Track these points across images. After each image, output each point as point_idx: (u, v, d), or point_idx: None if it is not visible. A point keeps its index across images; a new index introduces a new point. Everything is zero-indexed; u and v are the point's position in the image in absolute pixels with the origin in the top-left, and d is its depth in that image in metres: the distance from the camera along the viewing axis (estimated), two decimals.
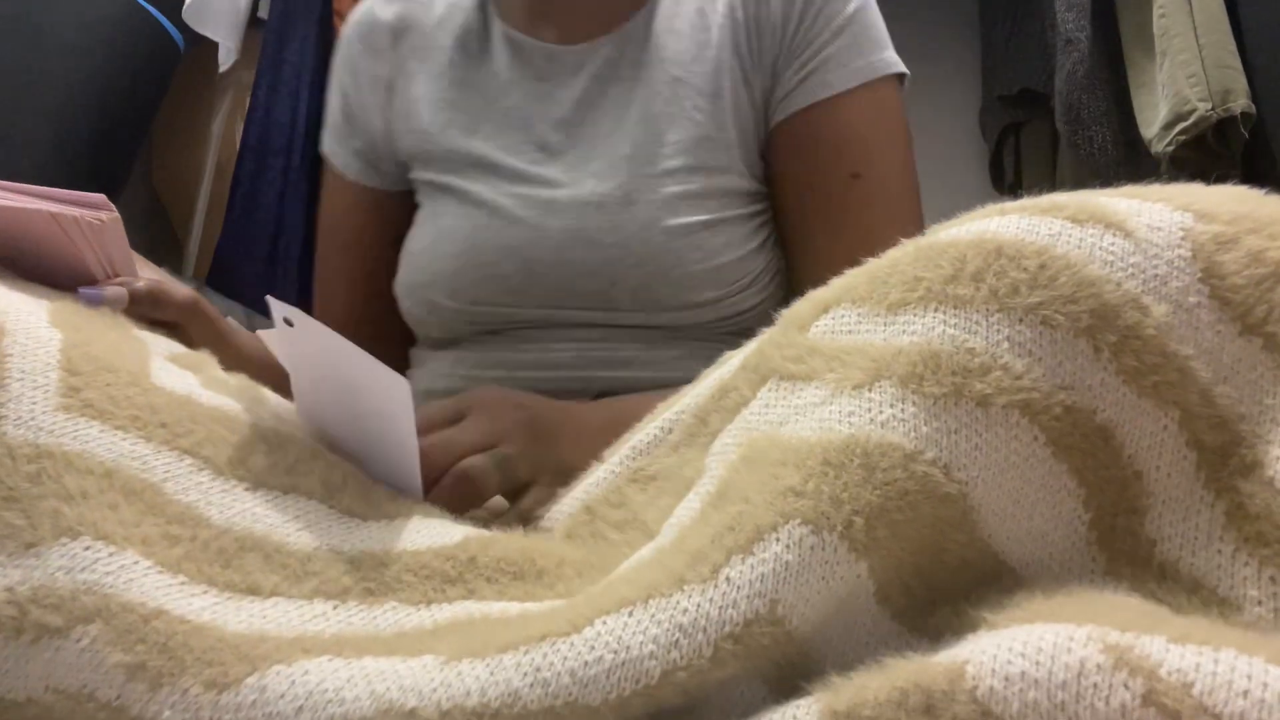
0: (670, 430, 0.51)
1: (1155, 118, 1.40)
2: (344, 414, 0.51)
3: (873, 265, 0.44)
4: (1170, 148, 1.36)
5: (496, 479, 0.58)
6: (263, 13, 1.76)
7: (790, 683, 0.37)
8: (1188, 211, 0.40)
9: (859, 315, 0.42)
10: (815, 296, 0.46)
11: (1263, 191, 0.42)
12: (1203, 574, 0.37)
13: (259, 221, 1.68)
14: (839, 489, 0.37)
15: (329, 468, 0.49)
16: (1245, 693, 0.29)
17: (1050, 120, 1.68)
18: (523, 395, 0.66)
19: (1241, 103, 1.31)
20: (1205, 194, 0.41)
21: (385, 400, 0.49)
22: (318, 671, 0.36)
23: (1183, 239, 0.39)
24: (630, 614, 0.36)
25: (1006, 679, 0.30)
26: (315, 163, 1.54)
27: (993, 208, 0.43)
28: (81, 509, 0.39)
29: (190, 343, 0.60)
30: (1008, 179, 1.92)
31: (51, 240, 0.54)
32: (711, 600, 0.36)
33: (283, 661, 0.37)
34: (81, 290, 0.55)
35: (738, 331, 0.77)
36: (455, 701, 0.35)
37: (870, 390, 0.39)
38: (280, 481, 0.47)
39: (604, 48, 0.83)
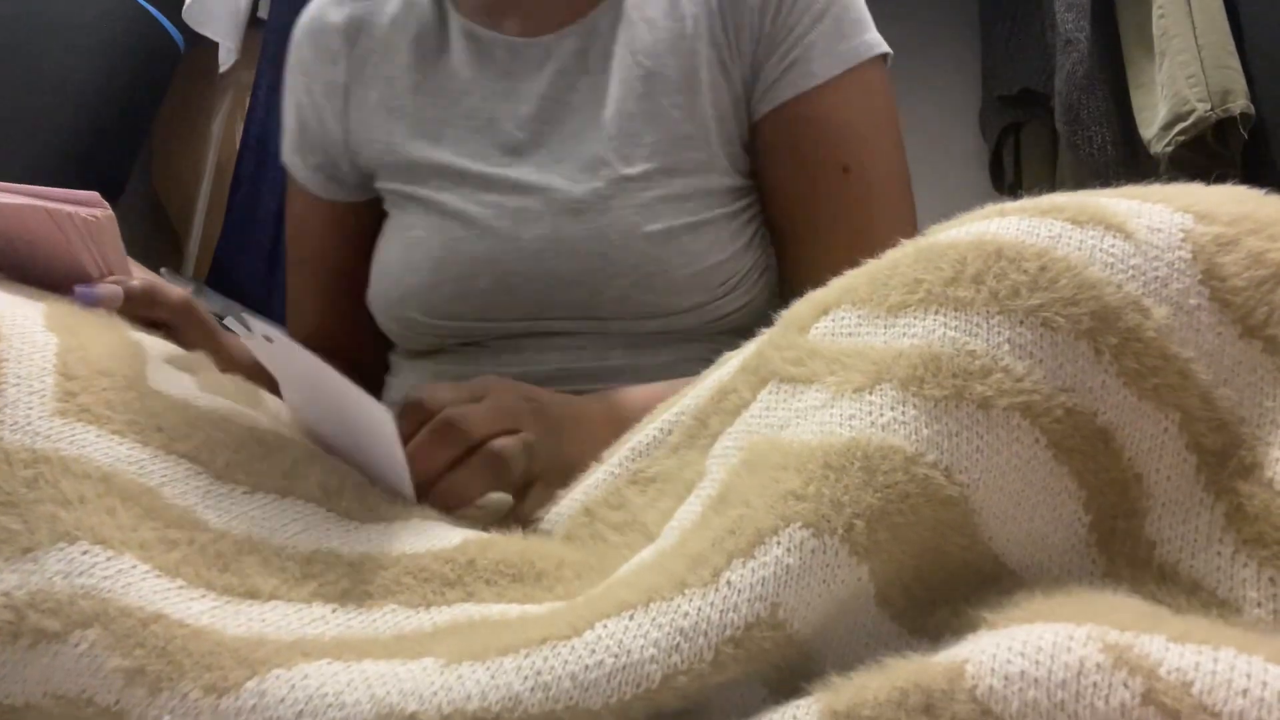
0: (670, 432, 0.51)
1: (1154, 118, 1.40)
2: (333, 425, 0.51)
3: (872, 266, 0.44)
4: (1169, 148, 1.36)
5: (523, 464, 0.56)
6: (263, 13, 1.76)
7: (790, 684, 0.37)
8: (1188, 213, 0.40)
9: (859, 317, 0.42)
10: (815, 298, 0.46)
11: (1263, 192, 0.42)
12: (1202, 576, 0.37)
13: (259, 221, 1.68)
14: (840, 492, 0.37)
15: (327, 471, 0.49)
16: (1245, 691, 0.30)
17: (1050, 120, 1.68)
18: (529, 387, 0.64)
19: (1240, 103, 1.31)
20: (1205, 194, 0.41)
21: (368, 427, 0.49)
22: (317, 675, 0.36)
23: (1183, 240, 0.39)
24: (631, 617, 0.36)
25: (1006, 678, 0.30)
26: None
27: (992, 208, 0.43)
28: (79, 513, 0.39)
29: (184, 344, 0.60)
30: (1008, 179, 1.92)
31: (47, 237, 0.54)
32: (712, 604, 0.36)
33: (282, 665, 0.37)
34: (77, 288, 0.54)
35: (728, 330, 0.76)
36: (456, 705, 0.35)
37: (871, 393, 0.39)
38: (278, 484, 0.47)
39: (569, 39, 0.79)
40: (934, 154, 1.89)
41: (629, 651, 0.35)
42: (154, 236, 1.77)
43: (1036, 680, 0.30)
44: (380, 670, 0.36)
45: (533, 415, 0.59)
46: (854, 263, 0.46)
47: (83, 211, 0.55)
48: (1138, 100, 1.47)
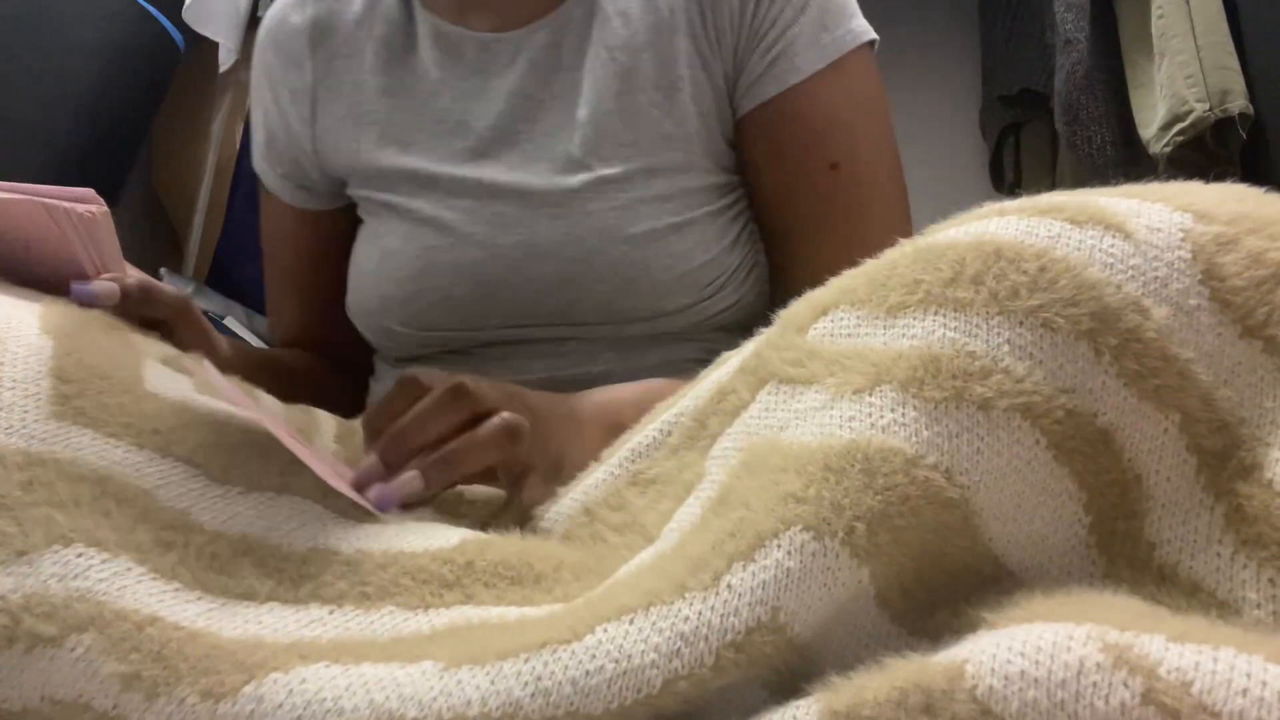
0: (669, 433, 0.51)
1: (1154, 118, 1.40)
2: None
3: (871, 267, 0.44)
4: (1168, 148, 1.36)
5: (526, 444, 0.55)
6: (263, 13, 1.75)
7: (790, 686, 0.36)
8: (1187, 212, 0.39)
9: (858, 318, 0.42)
10: (813, 298, 0.46)
11: (1262, 191, 0.42)
12: (1201, 577, 0.37)
13: (259, 221, 1.68)
14: (840, 495, 0.37)
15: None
16: (1244, 691, 0.30)
17: (1050, 120, 1.68)
18: (512, 384, 0.62)
19: (1239, 104, 1.31)
20: (1205, 194, 0.41)
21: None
22: (315, 679, 0.36)
23: (1183, 240, 0.39)
24: (631, 621, 0.36)
25: (1006, 678, 0.30)
26: None
27: (991, 208, 0.43)
28: (74, 516, 0.39)
29: (180, 343, 0.60)
30: (1008, 179, 1.92)
31: (43, 233, 0.54)
32: (713, 608, 0.35)
33: (280, 669, 0.37)
34: (74, 285, 0.54)
35: (719, 329, 0.75)
36: (456, 711, 0.35)
37: (871, 394, 0.39)
38: (274, 482, 0.47)
39: (541, 33, 0.76)
40: (934, 154, 1.89)
41: (629, 656, 0.35)
42: (154, 236, 1.77)
43: (1036, 680, 0.30)
44: (379, 674, 0.36)
45: (523, 408, 0.58)
46: (846, 260, 0.46)
47: (79, 207, 0.55)
48: (1137, 100, 1.47)
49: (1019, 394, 0.37)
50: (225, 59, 1.70)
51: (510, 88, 0.76)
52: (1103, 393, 0.37)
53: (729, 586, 0.36)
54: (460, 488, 0.65)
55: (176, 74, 1.63)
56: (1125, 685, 0.30)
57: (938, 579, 0.38)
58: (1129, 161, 1.49)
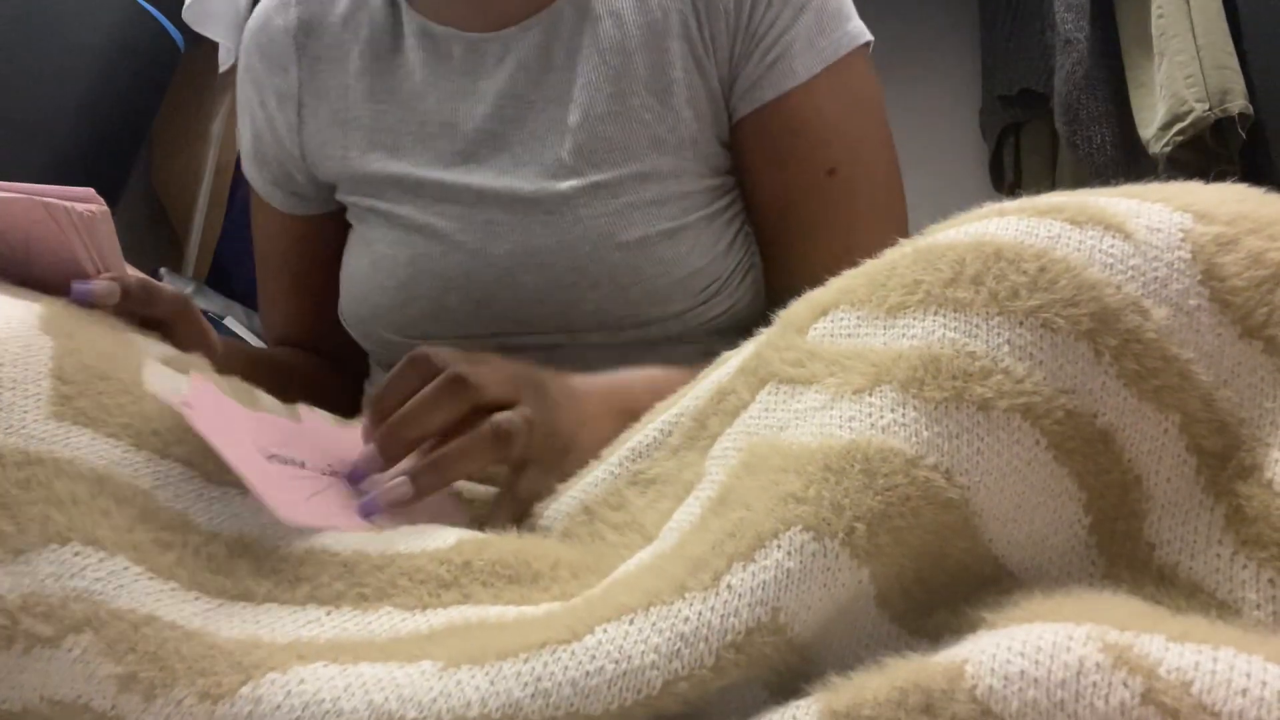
0: (669, 433, 0.51)
1: (1153, 118, 1.40)
2: None
3: (870, 267, 0.44)
4: (1168, 148, 1.36)
5: (524, 440, 0.54)
6: None
7: (790, 686, 0.36)
8: (1187, 212, 0.39)
9: (858, 318, 0.42)
10: (813, 298, 0.46)
11: (1262, 191, 0.42)
12: (1201, 578, 0.37)
13: None
14: (840, 495, 0.37)
15: None
16: (1244, 691, 0.30)
17: (1050, 120, 1.68)
18: (527, 363, 0.60)
19: (1239, 103, 1.31)
20: (1204, 194, 0.41)
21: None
22: (313, 680, 0.36)
23: (1182, 240, 0.39)
24: (631, 622, 0.36)
25: (1006, 678, 0.30)
26: None
27: (991, 208, 0.43)
28: (71, 515, 0.39)
29: (179, 343, 0.60)
30: (1008, 179, 1.92)
31: (43, 232, 0.54)
32: (713, 608, 0.35)
33: (277, 669, 0.36)
34: (74, 284, 0.54)
35: (714, 332, 0.74)
36: (455, 712, 0.34)
37: (871, 395, 0.39)
38: None
39: (531, 32, 0.74)
40: (934, 154, 1.89)
41: (629, 657, 0.35)
42: (154, 236, 1.77)
43: (1036, 680, 0.30)
44: (377, 674, 0.36)
45: (533, 389, 0.57)
46: (843, 263, 0.46)
47: (78, 206, 0.55)
48: (1137, 100, 1.47)
49: (1019, 394, 0.37)
50: (225, 59, 1.70)
51: (499, 88, 0.74)
52: (1103, 393, 0.37)
53: (729, 587, 0.36)
54: (459, 485, 0.65)
55: (176, 74, 1.63)
56: (1125, 685, 0.30)
57: (938, 579, 0.38)
58: (1129, 161, 1.49)
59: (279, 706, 0.35)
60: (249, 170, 0.85)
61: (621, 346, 0.73)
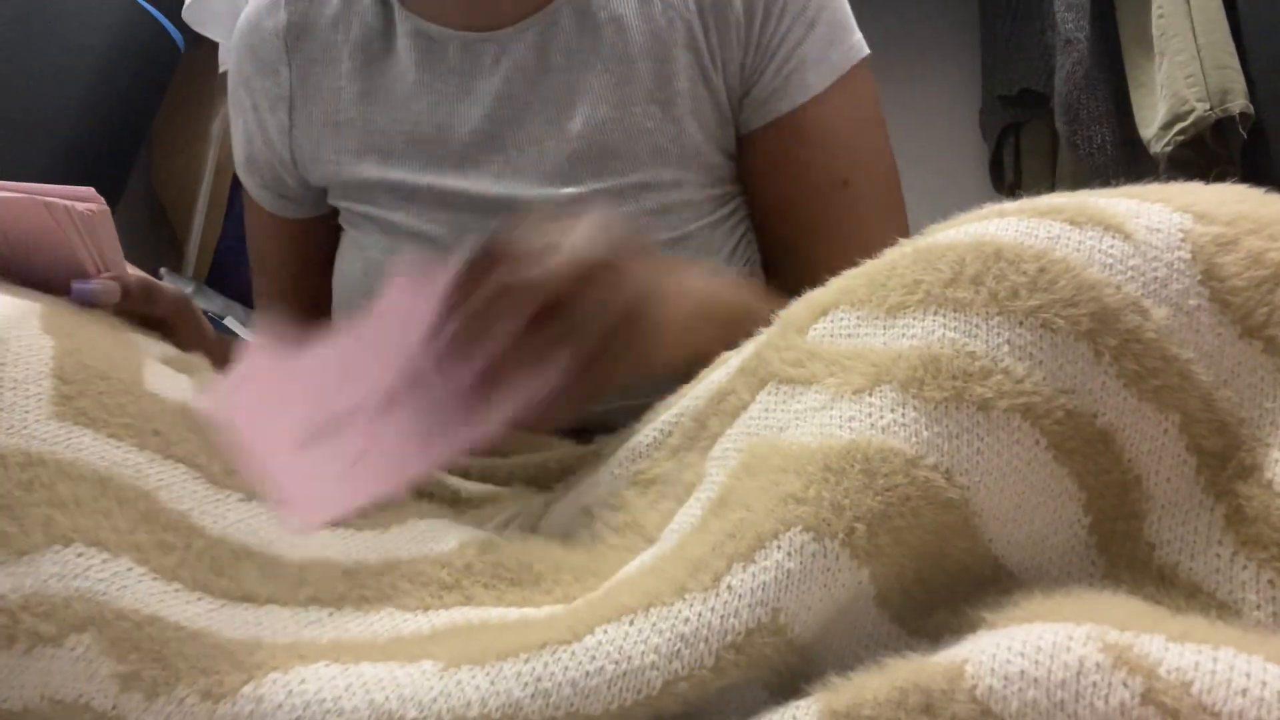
0: (669, 433, 0.51)
1: (1154, 118, 1.40)
2: None
3: (870, 267, 0.44)
4: (1169, 148, 1.36)
5: (587, 336, 0.48)
6: None
7: (790, 686, 0.36)
8: (1187, 212, 0.39)
9: (858, 318, 0.42)
10: (813, 299, 0.46)
11: (1262, 191, 0.42)
12: (1201, 578, 0.37)
13: None
14: (840, 495, 0.37)
15: None
16: (1244, 691, 0.30)
17: (1050, 120, 1.68)
18: (610, 237, 0.52)
19: (1239, 103, 1.31)
20: (1204, 194, 0.41)
21: None
22: (315, 679, 0.36)
23: (1182, 241, 0.39)
24: (631, 622, 0.36)
25: (1006, 678, 0.31)
26: None
27: (991, 209, 0.43)
28: (74, 516, 0.39)
29: (179, 342, 0.60)
30: (1008, 179, 1.92)
31: (43, 231, 0.54)
32: (713, 609, 0.36)
33: (279, 669, 0.37)
34: (74, 284, 0.54)
35: None
36: (456, 712, 0.35)
37: (871, 395, 0.39)
38: None
39: (528, 33, 0.73)
40: (934, 154, 1.89)
41: (629, 658, 0.35)
42: (154, 236, 1.77)
43: (1036, 680, 0.30)
44: (378, 674, 0.36)
45: (612, 275, 0.50)
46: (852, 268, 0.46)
47: (79, 206, 0.55)
48: (1137, 100, 1.47)
49: (1019, 394, 0.37)
50: (225, 59, 1.70)
51: (495, 89, 0.73)
52: (1102, 393, 0.37)
53: (729, 587, 0.36)
54: (457, 486, 0.65)
55: (176, 74, 1.63)
56: (1125, 685, 0.30)
57: (938, 579, 0.38)
58: (1129, 161, 1.49)
59: (280, 705, 0.35)
60: (241, 173, 0.84)
61: None
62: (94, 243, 0.56)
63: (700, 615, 0.36)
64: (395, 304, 0.54)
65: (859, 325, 0.42)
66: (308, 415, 0.51)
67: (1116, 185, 0.43)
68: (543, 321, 0.48)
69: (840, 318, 0.43)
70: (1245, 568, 0.36)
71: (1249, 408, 0.38)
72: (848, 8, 0.75)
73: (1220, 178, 0.43)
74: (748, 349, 0.49)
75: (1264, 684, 0.30)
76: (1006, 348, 0.38)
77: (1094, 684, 0.30)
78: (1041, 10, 1.73)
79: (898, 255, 0.43)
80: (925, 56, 2.02)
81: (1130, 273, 0.38)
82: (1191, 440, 0.38)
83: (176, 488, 0.43)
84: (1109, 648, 0.30)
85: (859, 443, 0.38)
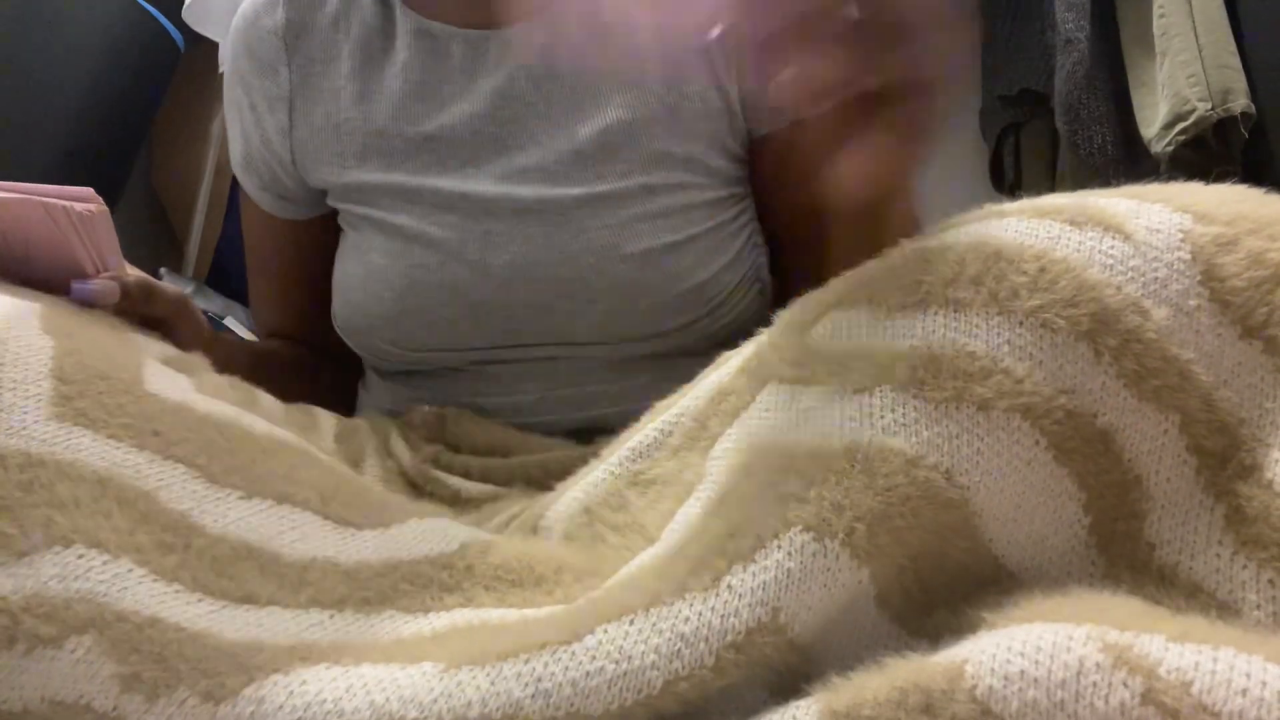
0: (670, 433, 0.51)
1: (1155, 118, 1.40)
2: None
3: (870, 267, 0.44)
4: (1170, 148, 1.36)
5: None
6: None
7: (790, 686, 0.36)
8: (1187, 213, 0.40)
9: (858, 318, 0.42)
10: (813, 299, 0.46)
11: (1262, 191, 0.42)
12: (1201, 578, 0.37)
13: None
14: (840, 495, 0.37)
15: (322, 475, 0.49)
16: (1244, 691, 0.30)
17: (1050, 120, 1.68)
18: None
19: (1241, 103, 1.31)
20: (1204, 194, 0.41)
21: None
22: (315, 681, 0.36)
23: (1182, 241, 0.39)
24: (632, 622, 0.36)
25: (1006, 678, 0.31)
26: None
27: (991, 209, 0.43)
28: (74, 517, 0.39)
29: (179, 342, 0.59)
30: (1008, 179, 1.92)
31: (42, 232, 0.54)
32: (713, 609, 0.36)
33: (280, 670, 0.37)
34: (73, 284, 0.54)
35: (717, 345, 0.73)
36: (456, 712, 0.35)
37: (871, 395, 0.39)
38: (274, 490, 0.46)
39: (533, 32, 0.72)
40: (934, 154, 1.88)
41: (630, 658, 0.35)
42: (154, 236, 1.78)
43: (1036, 680, 0.30)
44: (379, 675, 0.36)
45: None
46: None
47: (77, 206, 0.55)
48: (1138, 100, 1.47)
49: (1019, 395, 0.37)
50: (225, 59, 1.70)
51: (498, 87, 0.72)
52: (1103, 393, 0.37)
53: (729, 587, 0.36)
54: (458, 486, 0.65)
55: (176, 74, 1.63)
56: (1125, 685, 0.30)
57: (938, 579, 0.38)
58: (1130, 161, 1.49)
59: (281, 707, 0.35)
60: (239, 172, 0.83)
61: (621, 360, 0.72)
62: (93, 243, 0.56)
63: (700, 615, 0.36)
64: None
65: (859, 325, 0.42)
66: None
67: (1116, 185, 0.43)
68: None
69: (840, 318, 0.43)
70: (1245, 568, 0.36)
71: (1249, 408, 0.38)
72: None
73: (1221, 178, 0.43)
74: (748, 349, 0.49)
75: (1264, 684, 0.30)
76: (1007, 348, 0.38)
77: (1094, 684, 0.30)
78: (1041, 10, 1.73)
79: (898, 255, 0.43)
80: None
81: (1130, 273, 0.38)
82: (1191, 440, 0.38)
83: (176, 487, 0.43)
84: (1109, 648, 0.30)
85: (859, 443, 0.38)
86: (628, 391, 0.71)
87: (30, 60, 1.41)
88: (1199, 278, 0.38)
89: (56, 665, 0.36)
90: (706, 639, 0.35)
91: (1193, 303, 0.38)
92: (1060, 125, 1.58)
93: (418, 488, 0.66)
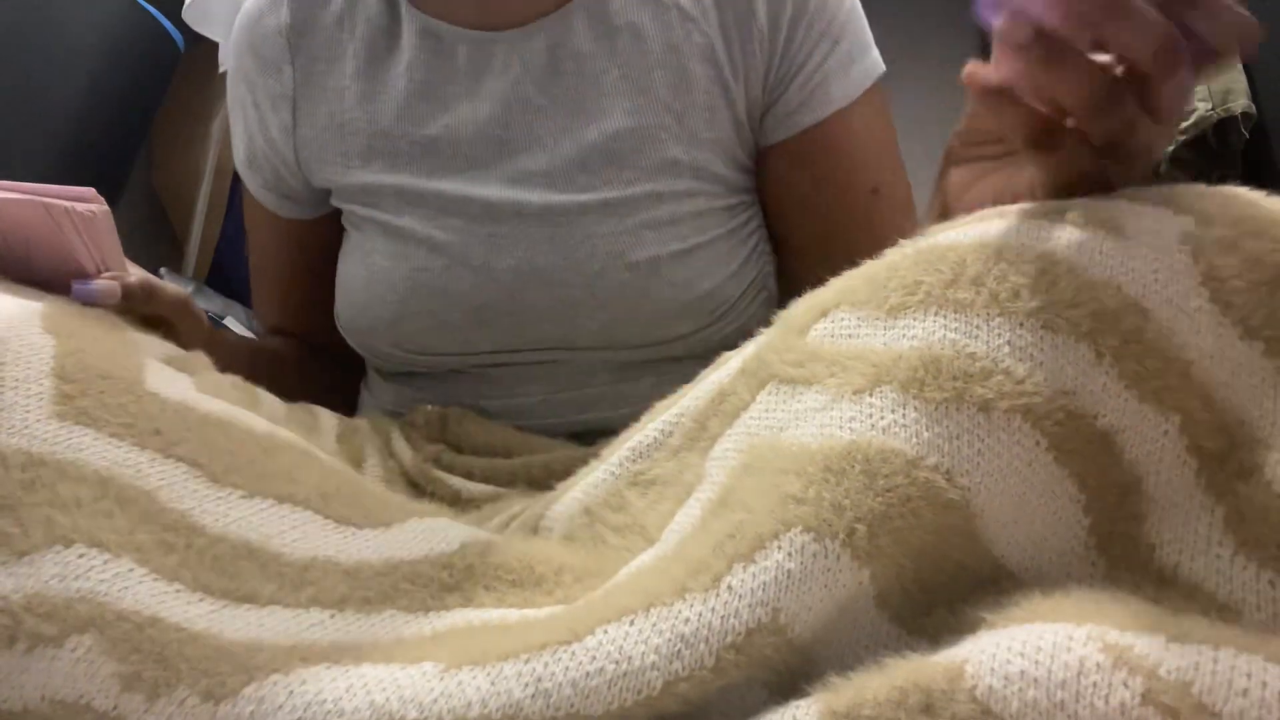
0: (670, 434, 0.51)
1: None
2: None
3: (871, 268, 0.44)
4: (1170, 148, 1.36)
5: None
6: None
7: (790, 686, 0.37)
8: (1188, 214, 0.40)
9: (859, 319, 0.42)
10: (813, 299, 0.46)
11: (1263, 193, 0.42)
12: (1201, 579, 0.37)
13: None
14: (841, 496, 0.37)
15: (323, 475, 0.49)
16: (1245, 691, 0.30)
17: None
18: None
19: (1241, 103, 1.31)
20: (1205, 196, 0.41)
21: None
22: (315, 681, 0.36)
23: (1183, 242, 0.39)
24: (632, 623, 0.36)
25: (1006, 678, 0.31)
26: None
27: (992, 210, 0.43)
28: (75, 516, 0.39)
29: (180, 341, 0.59)
30: None
31: (43, 233, 0.54)
32: (713, 609, 0.36)
33: (280, 670, 0.37)
34: (74, 284, 0.54)
35: (720, 348, 0.75)
36: (456, 713, 0.35)
37: (871, 395, 0.39)
38: (275, 489, 0.46)
39: (539, 35, 0.71)
40: (934, 154, 1.88)
41: (630, 658, 0.35)
42: (154, 236, 1.77)
43: (1036, 680, 0.30)
44: (379, 675, 0.36)
45: None
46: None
47: (79, 206, 0.55)
48: None
49: (1019, 395, 0.37)
50: (225, 59, 1.70)
51: (504, 90, 0.71)
52: (1103, 394, 0.37)
53: (729, 588, 0.36)
54: (459, 486, 0.65)
55: (176, 74, 1.63)
56: (1125, 685, 0.30)
57: (938, 580, 0.38)
58: None
59: (281, 706, 0.35)
60: (242, 172, 0.83)
61: (624, 364, 0.72)
62: (94, 243, 0.56)
63: (700, 615, 0.36)
64: None
65: (860, 326, 0.42)
66: None
67: None
68: None
69: (841, 318, 0.43)
70: (1245, 568, 0.36)
71: (1249, 409, 0.38)
72: (867, 26, 0.76)
73: (1222, 179, 0.43)
74: (748, 349, 0.49)
75: (1264, 684, 0.30)
76: (1007, 349, 0.38)
77: (1094, 684, 0.30)
78: None
79: (898, 256, 0.43)
80: (925, 56, 2.02)
81: (1131, 274, 0.38)
82: (1192, 441, 0.38)
83: (177, 486, 0.43)
84: (1109, 648, 0.31)
85: (859, 443, 0.38)
86: (630, 395, 0.70)
87: (30, 60, 1.40)
88: (1199, 279, 0.38)
89: (57, 664, 0.36)
90: (706, 639, 0.35)
91: (1193, 304, 0.38)
92: None
93: (419, 488, 0.66)
